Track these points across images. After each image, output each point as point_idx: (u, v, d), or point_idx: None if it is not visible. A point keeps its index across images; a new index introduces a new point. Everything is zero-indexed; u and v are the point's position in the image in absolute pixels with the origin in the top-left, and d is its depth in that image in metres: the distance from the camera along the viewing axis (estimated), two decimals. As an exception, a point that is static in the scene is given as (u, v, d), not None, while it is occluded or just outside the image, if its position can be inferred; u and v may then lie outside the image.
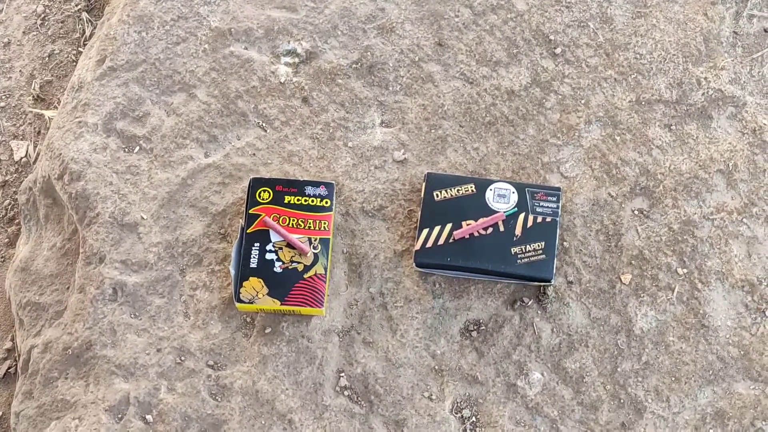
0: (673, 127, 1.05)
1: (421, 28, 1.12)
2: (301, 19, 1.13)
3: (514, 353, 0.96)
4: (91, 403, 0.96)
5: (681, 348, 0.95)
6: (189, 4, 1.14)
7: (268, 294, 0.95)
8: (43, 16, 1.33)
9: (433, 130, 1.06)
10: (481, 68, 1.09)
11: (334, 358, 0.96)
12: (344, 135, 1.06)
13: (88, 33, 1.30)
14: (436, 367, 0.96)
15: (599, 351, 0.95)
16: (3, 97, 1.28)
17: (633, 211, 1.01)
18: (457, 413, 0.94)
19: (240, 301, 0.95)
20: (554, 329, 0.96)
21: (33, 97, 1.27)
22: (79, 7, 1.32)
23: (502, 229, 0.97)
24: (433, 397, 0.95)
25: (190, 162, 1.05)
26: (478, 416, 0.94)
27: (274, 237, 0.98)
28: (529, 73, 1.09)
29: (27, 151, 1.24)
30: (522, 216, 0.97)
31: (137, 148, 1.06)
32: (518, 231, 0.96)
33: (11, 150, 1.24)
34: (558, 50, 1.09)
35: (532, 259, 0.95)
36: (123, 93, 1.09)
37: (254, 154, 1.05)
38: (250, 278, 0.96)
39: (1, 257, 1.17)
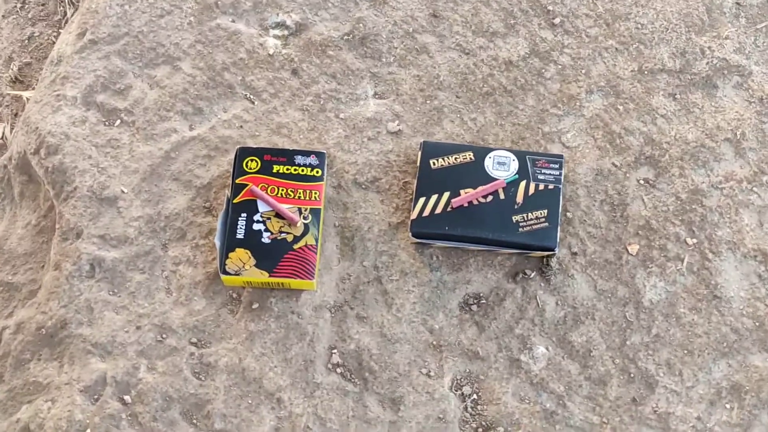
0: (677, 96, 1.01)
1: (414, 0, 1.08)
2: (290, -8, 1.09)
3: (516, 327, 0.90)
4: (65, 384, 0.89)
5: (693, 320, 0.90)
6: (174, -23, 1.10)
7: (255, 265, 0.89)
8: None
9: (428, 101, 1.02)
10: (478, 39, 1.05)
11: (326, 334, 0.90)
12: (335, 107, 1.02)
13: (69, 14, 1.25)
14: (435, 343, 0.90)
15: (607, 324, 0.90)
16: (-20, 81, 1.23)
17: (638, 181, 0.97)
18: (457, 390, 0.88)
19: (226, 273, 0.89)
20: (559, 302, 0.91)
21: (11, 79, 1.22)
22: (61, -11, 1.28)
23: (502, 196, 0.92)
24: (432, 373, 0.89)
25: (173, 135, 1.00)
26: (480, 393, 0.88)
27: (262, 207, 0.92)
28: (528, 44, 1.05)
29: (3, 133, 1.18)
30: (523, 183, 0.92)
31: (118, 121, 1.01)
32: (519, 199, 0.92)
33: (-13, 132, 1.19)
34: (557, 20, 1.06)
35: (535, 227, 0.90)
36: (104, 66, 1.04)
37: (241, 126, 1.01)
38: (237, 249, 0.90)
39: (-26, 241, 1.11)
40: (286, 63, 1.04)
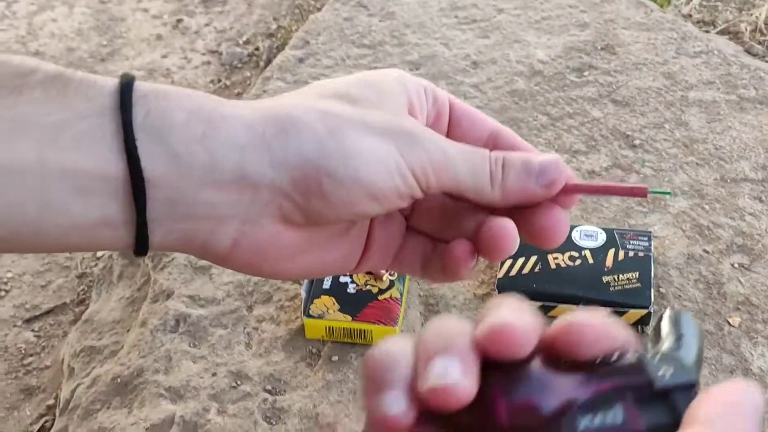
0: (763, 199, 1.03)
1: (501, 128, 1.18)
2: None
3: (613, 388, 0.83)
4: (131, 425, 0.85)
5: (812, 387, 0.82)
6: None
7: (339, 310, 0.88)
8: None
9: (514, 200, 1.06)
10: (561, 154, 1.12)
11: (407, 388, 0.85)
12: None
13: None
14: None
15: (714, 388, 0.82)
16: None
17: (732, 265, 0.94)
18: None
19: (309, 316, 0.88)
20: (658, 367, 0.85)
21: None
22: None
23: (591, 261, 0.91)
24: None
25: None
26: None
27: (350, 264, 0.94)
28: (609, 159, 1.11)
29: (111, 249, 1.26)
30: (612, 250, 0.92)
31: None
32: (609, 263, 0.91)
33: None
34: (636, 142, 1.12)
35: (626, 287, 0.88)
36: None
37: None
38: (322, 296, 0.90)
39: (64, 332, 1.13)
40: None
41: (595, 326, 0.31)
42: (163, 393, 0.87)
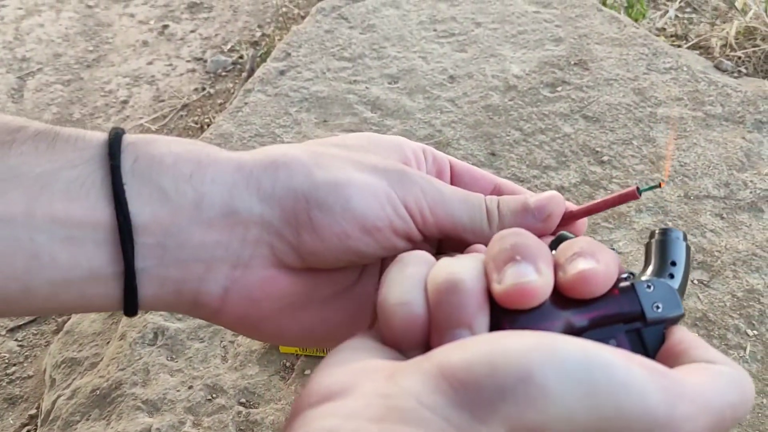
0: (724, 216, 1.06)
1: (475, 143, 1.21)
2: (364, 138, 1.23)
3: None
4: (108, 437, 0.88)
5: (762, 402, 0.85)
6: (267, 126, 1.27)
7: (311, 326, 0.92)
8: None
9: (485, 215, 1.09)
10: (532, 170, 1.15)
11: (375, 401, 0.89)
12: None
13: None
14: None
15: (669, 403, 0.86)
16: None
17: (692, 281, 0.98)
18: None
19: (282, 331, 0.91)
20: (616, 382, 0.88)
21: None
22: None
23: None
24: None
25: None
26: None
27: (323, 280, 0.97)
28: (578, 175, 1.14)
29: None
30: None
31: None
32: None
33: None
34: (605, 158, 1.16)
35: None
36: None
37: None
38: (295, 312, 0.93)
39: (47, 342, 1.16)
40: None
41: (599, 277, 0.34)
42: (140, 406, 0.90)
